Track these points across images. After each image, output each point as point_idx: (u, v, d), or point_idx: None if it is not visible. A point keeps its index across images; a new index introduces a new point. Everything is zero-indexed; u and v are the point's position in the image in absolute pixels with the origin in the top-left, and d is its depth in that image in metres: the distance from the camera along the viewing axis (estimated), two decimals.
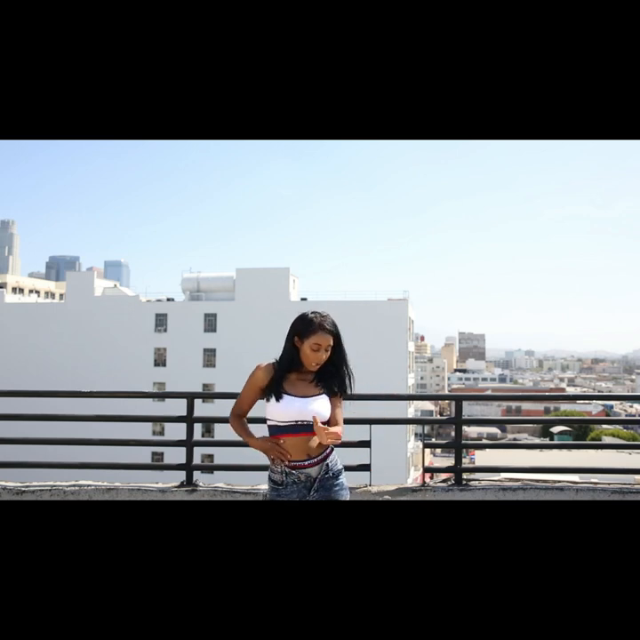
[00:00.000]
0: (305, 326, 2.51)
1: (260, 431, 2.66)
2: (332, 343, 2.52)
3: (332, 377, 2.55)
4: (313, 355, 2.49)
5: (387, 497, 3.81)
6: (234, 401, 2.74)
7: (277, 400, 2.47)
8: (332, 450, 2.53)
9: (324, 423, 2.45)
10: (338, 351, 2.57)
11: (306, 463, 2.45)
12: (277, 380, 2.51)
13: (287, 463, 2.45)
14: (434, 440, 36.40)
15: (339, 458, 2.56)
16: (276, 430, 2.48)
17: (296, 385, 2.51)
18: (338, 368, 2.58)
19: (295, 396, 2.48)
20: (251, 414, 2.71)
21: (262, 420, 2.63)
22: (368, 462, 3.94)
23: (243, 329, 37.55)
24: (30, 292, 61.19)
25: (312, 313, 2.55)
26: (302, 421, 2.44)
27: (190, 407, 4.03)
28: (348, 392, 2.61)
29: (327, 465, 2.48)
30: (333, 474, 2.49)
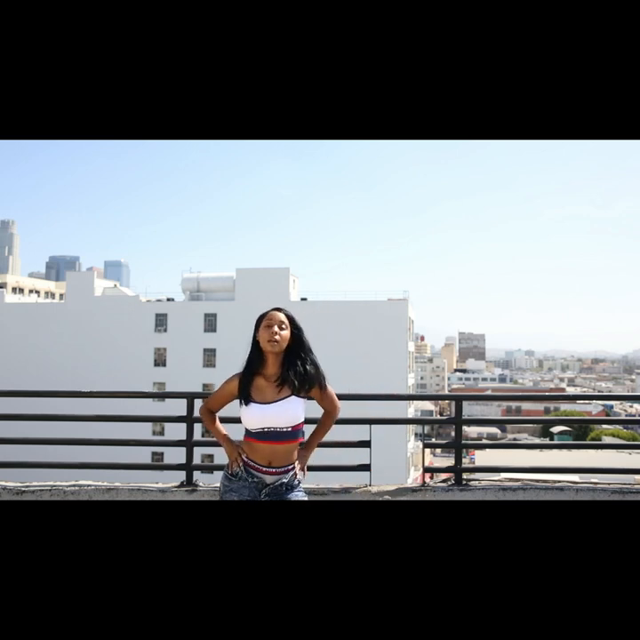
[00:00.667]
0: (259, 316, 2.57)
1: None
2: (285, 322, 2.52)
3: (296, 375, 2.50)
4: (266, 332, 2.48)
5: (387, 497, 3.81)
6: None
7: (246, 405, 2.49)
8: (293, 467, 2.51)
9: (296, 426, 2.47)
10: (299, 344, 2.54)
11: (263, 469, 2.46)
12: (244, 385, 2.52)
13: (245, 460, 2.48)
14: (434, 440, 36.39)
15: (298, 476, 2.54)
16: (248, 434, 2.51)
17: (264, 391, 2.49)
18: (303, 363, 2.53)
19: (260, 403, 2.46)
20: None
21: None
22: (368, 462, 3.94)
23: (243, 329, 37.31)
24: (30, 292, 61.21)
25: None
26: (268, 428, 2.43)
27: (190, 407, 4.03)
28: (324, 381, 2.59)
29: (286, 478, 2.48)
30: (289, 486, 2.49)
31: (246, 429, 2.51)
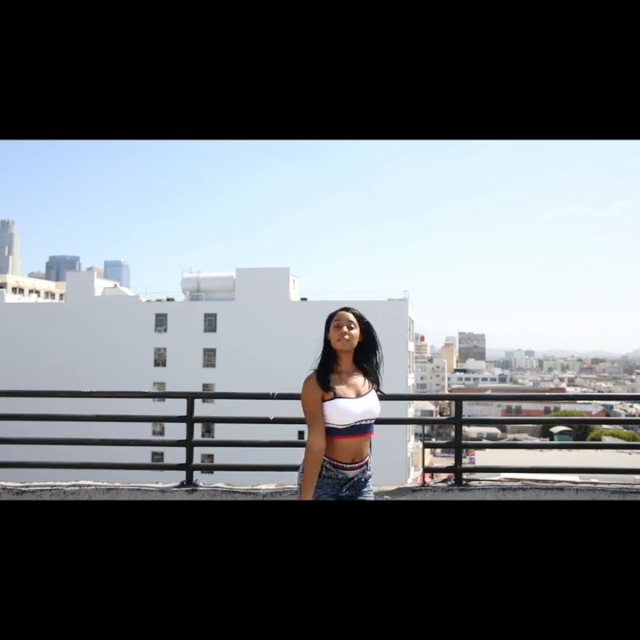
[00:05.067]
0: (330, 315, 2.65)
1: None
2: (354, 322, 2.60)
3: (374, 369, 2.65)
4: (335, 332, 2.57)
5: (387, 497, 3.81)
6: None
7: (333, 401, 2.49)
8: (369, 460, 2.62)
9: (373, 420, 2.56)
10: (369, 339, 2.65)
11: (347, 466, 2.51)
12: (327, 382, 2.52)
13: (329, 460, 2.49)
14: (434, 440, 36.37)
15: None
16: (335, 432, 2.49)
17: (348, 386, 2.55)
18: (375, 358, 2.66)
19: (350, 398, 2.52)
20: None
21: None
22: None
23: (243, 329, 37.55)
24: (30, 292, 61.18)
25: None
26: (360, 422, 2.50)
27: (190, 407, 4.03)
28: (379, 386, 2.68)
29: (364, 471, 2.57)
30: (365, 479, 2.59)
31: (332, 428, 2.49)
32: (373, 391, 2.60)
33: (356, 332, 2.60)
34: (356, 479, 2.55)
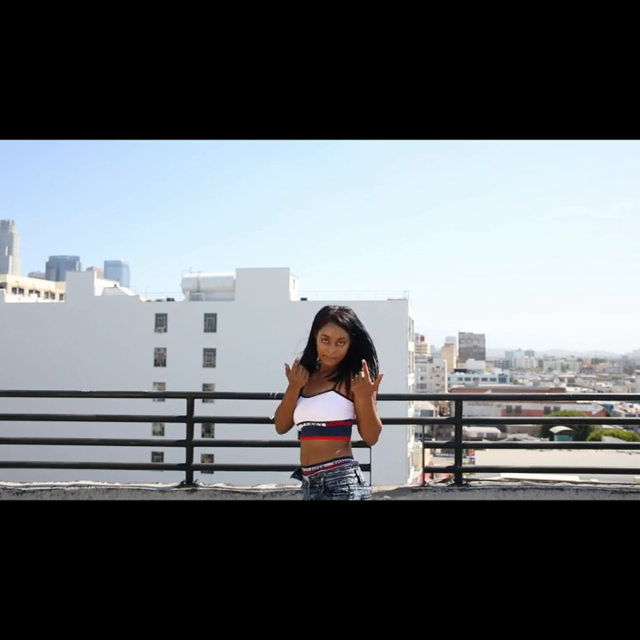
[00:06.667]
0: (319, 317, 2.45)
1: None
2: (344, 337, 2.38)
3: (348, 372, 2.39)
4: (322, 346, 2.39)
5: (387, 497, 3.81)
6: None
7: (299, 400, 2.43)
8: (336, 466, 2.33)
9: (332, 423, 2.33)
10: (359, 349, 2.42)
11: (303, 470, 2.40)
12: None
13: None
14: (434, 440, 36.37)
15: (352, 484, 2.31)
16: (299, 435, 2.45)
17: (311, 384, 2.42)
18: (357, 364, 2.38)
19: (303, 396, 2.42)
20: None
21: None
22: (368, 462, 3.94)
23: (243, 329, 37.55)
24: (30, 292, 61.19)
25: (334, 306, 2.48)
26: (307, 422, 2.37)
27: (190, 407, 4.03)
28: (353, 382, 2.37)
29: (320, 478, 2.32)
30: (326, 489, 2.31)
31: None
32: (331, 391, 2.37)
33: (344, 348, 2.40)
34: (312, 483, 2.34)
